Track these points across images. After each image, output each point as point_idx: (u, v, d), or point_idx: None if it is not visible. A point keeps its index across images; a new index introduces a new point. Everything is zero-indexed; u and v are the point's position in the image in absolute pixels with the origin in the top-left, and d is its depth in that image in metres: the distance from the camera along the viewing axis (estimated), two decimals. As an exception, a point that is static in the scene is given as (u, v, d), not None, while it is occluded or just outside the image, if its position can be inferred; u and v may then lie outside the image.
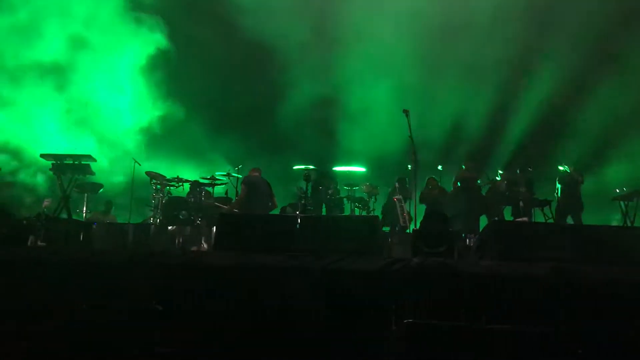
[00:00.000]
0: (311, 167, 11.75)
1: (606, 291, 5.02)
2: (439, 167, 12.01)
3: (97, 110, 14.43)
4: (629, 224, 10.76)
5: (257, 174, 11.40)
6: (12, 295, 5.59)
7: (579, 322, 4.71)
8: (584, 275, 5.35)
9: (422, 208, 10.88)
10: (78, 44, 14.20)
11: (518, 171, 11.93)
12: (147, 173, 11.50)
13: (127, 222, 11.40)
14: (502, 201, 11.70)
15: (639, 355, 4.53)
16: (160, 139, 14.71)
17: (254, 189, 11.04)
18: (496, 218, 11.12)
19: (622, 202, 11.16)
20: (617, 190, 11.58)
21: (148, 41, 14.62)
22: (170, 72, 14.98)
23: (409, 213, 11.48)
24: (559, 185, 11.76)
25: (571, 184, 11.60)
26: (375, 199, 12.38)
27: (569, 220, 11.40)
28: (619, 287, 5.03)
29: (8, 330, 5.27)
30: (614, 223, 12.15)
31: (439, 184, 11.92)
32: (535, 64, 14.55)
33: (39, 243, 8.74)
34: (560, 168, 11.80)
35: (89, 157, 11.16)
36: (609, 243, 6.49)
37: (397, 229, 11.41)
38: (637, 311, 4.76)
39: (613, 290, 5.02)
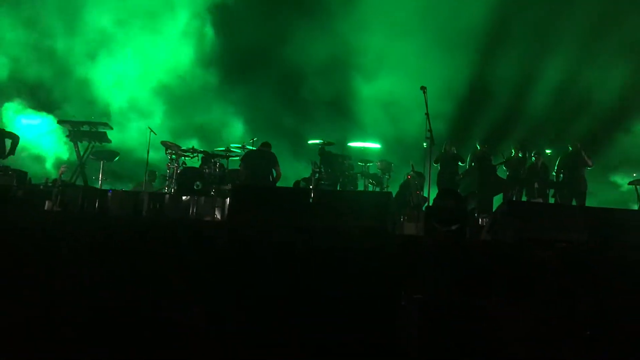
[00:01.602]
0: (326, 142, 11.70)
1: (618, 273, 5.00)
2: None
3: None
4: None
5: (262, 148, 11.30)
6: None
7: (589, 304, 4.70)
8: (596, 258, 5.33)
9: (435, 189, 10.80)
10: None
11: (534, 154, 11.83)
12: (163, 143, 11.53)
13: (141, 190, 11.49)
14: (517, 182, 11.62)
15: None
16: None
17: (250, 164, 10.99)
18: (514, 198, 11.06)
19: (638, 187, 11.04)
20: (635, 175, 11.48)
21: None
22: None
23: (421, 193, 11.49)
24: (561, 166, 11.64)
25: (577, 165, 11.46)
26: (389, 176, 12.34)
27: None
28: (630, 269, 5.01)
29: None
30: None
31: (454, 150, 11.78)
32: (552, 38, 14.32)
33: (55, 208, 8.87)
34: (570, 148, 11.66)
35: (105, 124, 11.24)
36: (624, 226, 6.45)
37: (410, 205, 11.40)
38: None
39: (625, 272, 5.00)
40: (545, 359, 4.47)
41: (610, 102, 13.98)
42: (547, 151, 12.86)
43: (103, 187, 11.29)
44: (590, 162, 11.49)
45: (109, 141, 11.31)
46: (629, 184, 11.44)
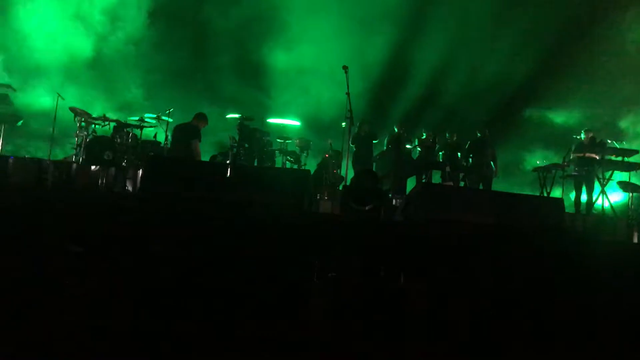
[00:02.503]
0: (245, 116, 11.51)
1: (519, 255, 5.27)
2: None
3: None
4: (546, 194, 11.27)
5: (192, 120, 10.93)
6: None
7: (493, 284, 4.94)
8: (500, 239, 5.60)
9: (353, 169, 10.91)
10: None
11: (447, 135, 12.20)
12: (72, 109, 10.90)
13: (46, 158, 10.83)
14: (430, 165, 11.97)
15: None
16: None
17: (175, 136, 10.71)
18: (427, 180, 11.40)
19: (540, 173, 11.63)
20: (538, 162, 12.10)
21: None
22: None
23: (339, 172, 11.62)
24: (470, 151, 12.08)
25: (485, 151, 11.93)
26: (307, 153, 12.35)
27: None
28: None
29: None
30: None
31: (367, 128, 11.88)
32: (467, 25, 14.81)
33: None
34: (478, 134, 12.09)
35: (8, 86, 10.49)
36: (527, 210, 6.84)
37: (327, 184, 11.49)
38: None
39: (525, 254, 5.29)
40: (449, 335, 4.66)
41: (518, 90, 14.66)
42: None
43: (3, 153, 10.56)
44: (493, 151, 11.94)
45: (10, 104, 10.55)
46: (533, 170, 12.05)
